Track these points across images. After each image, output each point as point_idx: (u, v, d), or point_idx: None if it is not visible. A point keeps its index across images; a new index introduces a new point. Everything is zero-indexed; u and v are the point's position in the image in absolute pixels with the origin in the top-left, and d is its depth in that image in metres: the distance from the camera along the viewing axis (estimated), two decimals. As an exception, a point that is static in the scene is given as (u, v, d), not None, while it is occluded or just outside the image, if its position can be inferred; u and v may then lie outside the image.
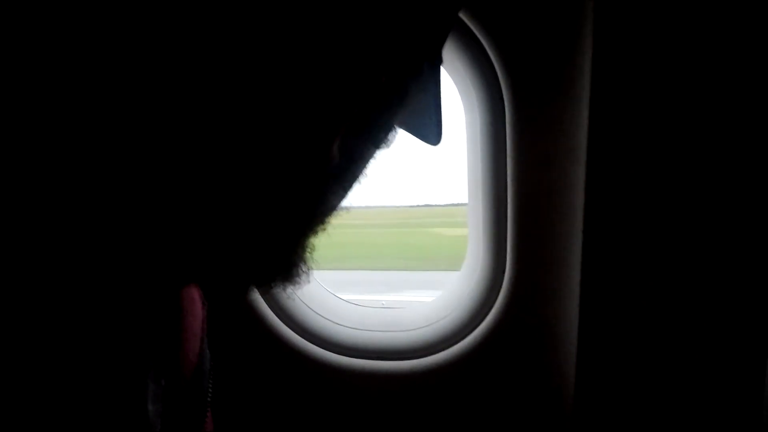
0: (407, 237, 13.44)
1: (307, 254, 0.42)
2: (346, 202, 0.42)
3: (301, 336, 0.95)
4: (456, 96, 0.97)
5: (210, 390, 0.47)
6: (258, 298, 0.93)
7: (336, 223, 0.45)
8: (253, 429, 0.95)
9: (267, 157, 0.31)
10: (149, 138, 0.28)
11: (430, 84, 0.44)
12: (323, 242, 0.43)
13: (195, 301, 0.47)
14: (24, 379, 0.27)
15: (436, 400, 0.91)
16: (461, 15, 0.77)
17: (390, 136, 0.38)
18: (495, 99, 0.81)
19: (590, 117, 0.73)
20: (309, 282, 0.45)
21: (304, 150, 0.31)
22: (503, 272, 0.87)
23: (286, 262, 0.38)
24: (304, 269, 0.42)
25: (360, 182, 0.40)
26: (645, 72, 0.71)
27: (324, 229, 0.43)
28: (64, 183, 0.29)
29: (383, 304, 1.14)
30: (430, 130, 0.48)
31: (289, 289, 0.43)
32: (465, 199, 1.01)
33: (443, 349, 0.92)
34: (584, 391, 0.81)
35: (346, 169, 0.36)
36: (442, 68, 0.48)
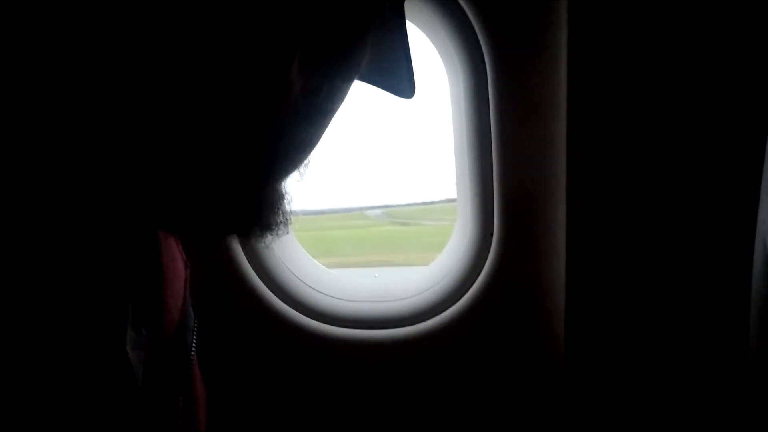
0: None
1: (284, 202, 0.43)
2: (318, 146, 0.42)
3: (294, 309, 0.96)
4: (439, 62, 0.97)
5: (194, 346, 0.48)
6: (252, 274, 0.94)
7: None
8: (249, 399, 0.96)
9: (224, 82, 0.31)
10: (110, 78, 0.29)
11: (395, 30, 0.45)
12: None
13: (176, 260, 0.48)
14: None
15: (432, 364, 0.92)
16: None
17: (353, 72, 0.38)
18: (476, 59, 0.82)
19: (569, 71, 0.74)
20: (288, 232, 0.46)
21: (261, 72, 0.31)
22: (491, 234, 0.87)
23: (261, 204, 0.38)
24: (282, 218, 0.43)
25: (328, 121, 0.40)
26: (621, 23, 0.72)
27: (300, 174, 0.44)
28: (36, 130, 0.30)
29: (376, 276, 1.15)
30: (402, 82, 0.49)
31: (269, 240, 0.43)
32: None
33: (437, 314, 0.93)
34: (574, 344, 0.83)
35: (310, 103, 0.36)
36: (407, 19, 0.48)
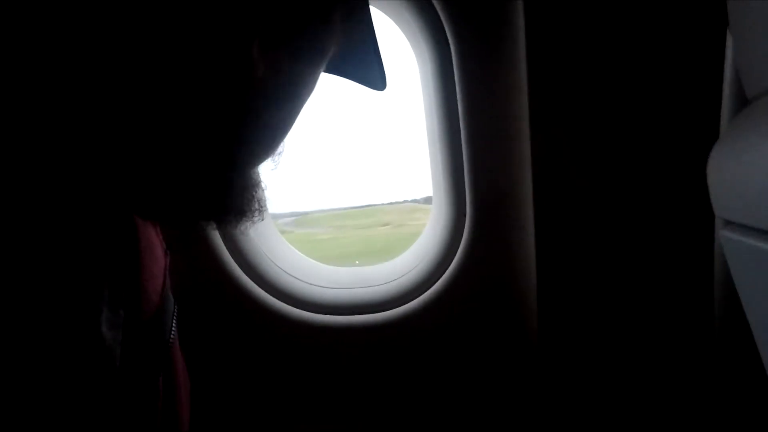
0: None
1: (259, 189, 0.44)
2: (289, 133, 0.44)
3: (274, 296, 0.97)
4: (408, 49, 0.99)
5: (174, 329, 0.49)
6: (232, 263, 0.95)
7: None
8: (230, 385, 0.98)
9: (188, 62, 0.31)
10: (80, 64, 0.29)
11: (362, 21, 0.46)
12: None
13: (155, 246, 0.48)
14: None
15: (411, 346, 0.95)
16: None
17: (317, 58, 0.39)
18: (442, 47, 0.84)
19: (528, 54, 0.77)
20: (263, 219, 0.47)
21: (223, 50, 0.32)
22: (464, 215, 0.90)
23: (233, 189, 0.40)
24: (256, 205, 0.44)
25: (297, 108, 0.41)
26: (574, 9, 0.75)
27: (274, 162, 0.45)
28: (10, 116, 0.30)
29: (357, 263, 1.17)
30: (373, 74, 0.50)
31: (244, 226, 0.45)
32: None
33: (415, 298, 0.95)
34: (547, 320, 0.86)
35: (275, 86, 0.37)
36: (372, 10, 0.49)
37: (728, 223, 0.54)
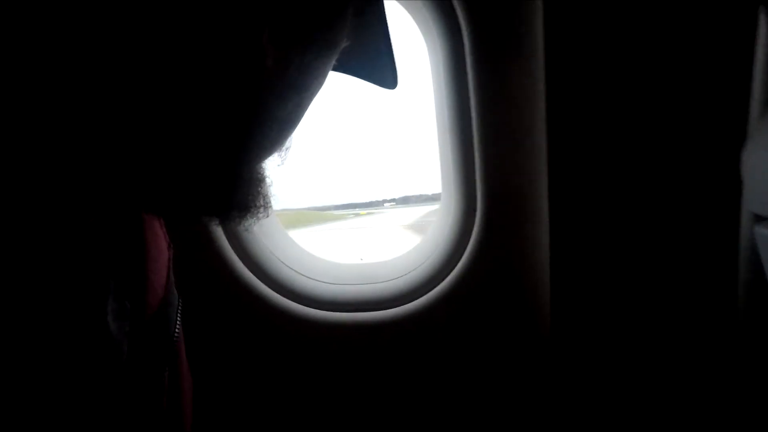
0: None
1: (264, 185, 0.43)
2: (297, 128, 0.42)
3: (279, 293, 0.95)
4: (420, 43, 0.97)
5: (178, 322, 0.49)
6: (236, 260, 0.93)
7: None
8: (233, 382, 0.96)
9: (198, 50, 0.30)
10: (88, 60, 0.29)
11: (375, 17, 0.46)
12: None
13: (159, 237, 0.48)
14: None
15: (418, 344, 0.93)
16: None
17: (325, 50, 0.38)
18: (455, 37, 0.81)
19: (546, 47, 0.73)
20: (268, 216, 0.46)
21: (233, 38, 0.31)
22: (474, 211, 0.87)
23: (239, 184, 0.38)
24: (261, 200, 0.43)
25: (305, 102, 0.39)
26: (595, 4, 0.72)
27: (281, 156, 0.44)
28: (19, 112, 0.30)
29: (361, 259, 1.15)
30: (385, 73, 0.51)
31: (248, 223, 0.43)
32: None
33: (422, 295, 0.93)
34: (560, 315, 0.84)
35: (282, 77, 0.36)
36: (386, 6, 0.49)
37: (761, 219, 0.52)
